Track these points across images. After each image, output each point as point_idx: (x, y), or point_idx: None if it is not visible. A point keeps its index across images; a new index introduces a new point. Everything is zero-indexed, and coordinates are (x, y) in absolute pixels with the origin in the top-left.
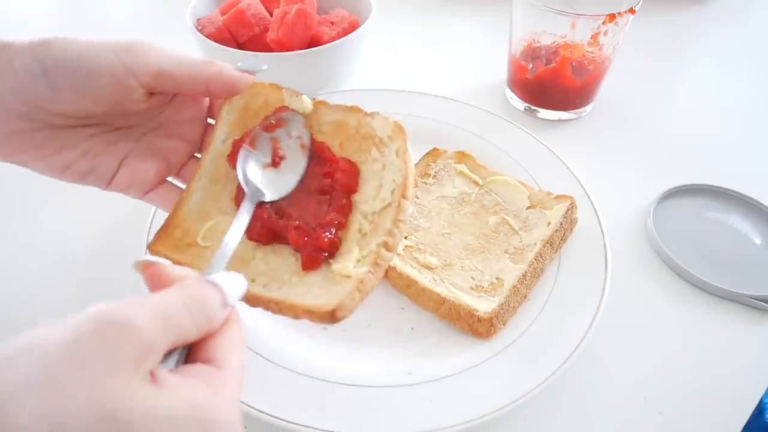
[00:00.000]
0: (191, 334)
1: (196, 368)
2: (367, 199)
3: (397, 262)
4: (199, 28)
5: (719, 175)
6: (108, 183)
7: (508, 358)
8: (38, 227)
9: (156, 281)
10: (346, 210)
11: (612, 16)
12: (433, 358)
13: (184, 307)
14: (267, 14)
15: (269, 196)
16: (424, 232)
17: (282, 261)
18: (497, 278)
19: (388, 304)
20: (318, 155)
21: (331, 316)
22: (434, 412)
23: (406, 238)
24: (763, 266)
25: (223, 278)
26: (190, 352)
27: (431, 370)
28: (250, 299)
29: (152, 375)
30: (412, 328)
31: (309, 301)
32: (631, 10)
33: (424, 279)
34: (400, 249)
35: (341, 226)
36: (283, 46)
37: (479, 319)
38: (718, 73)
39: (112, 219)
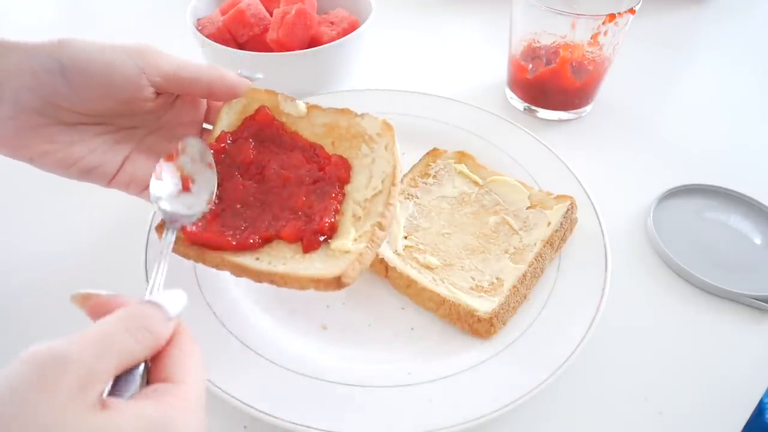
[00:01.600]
0: (139, 353)
1: (149, 389)
2: (359, 188)
3: (397, 262)
4: (199, 28)
5: (719, 175)
6: (110, 180)
7: (508, 358)
8: (38, 228)
9: (98, 311)
10: (339, 198)
11: (612, 16)
12: (433, 358)
13: (124, 330)
14: (267, 14)
15: (187, 219)
16: (424, 232)
17: (284, 244)
18: (497, 278)
19: (388, 304)
20: (313, 153)
21: (336, 283)
22: (434, 412)
23: (406, 238)
24: (763, 266)
25: (162, 296)
26: (149, 376)
27: (431, 370)
28: (257, 274)
29: (103, 404)
30: (412, 328)
31: (313, 273)
32: (631, 10)
33: (424, 279)
34: (400, 249)
35: (337, 211)
36: (283, 46)
37: (479, 319)
38: (718, 72)
39: (113, 221)
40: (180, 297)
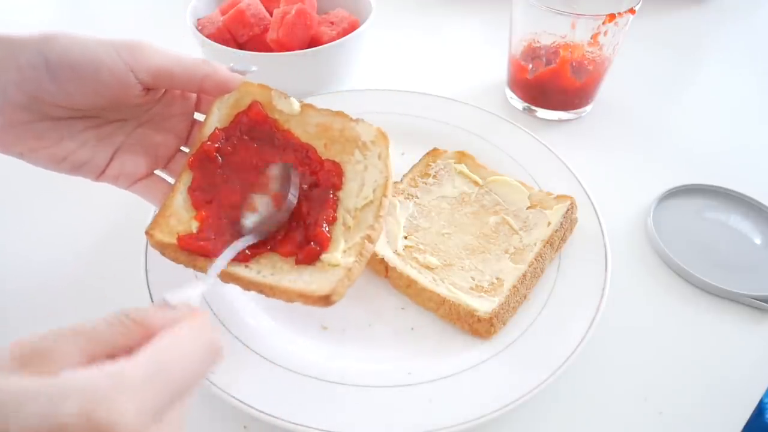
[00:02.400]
0: (110, 337)
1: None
2: (350, 196)
3: (397, 262)
4: (199, 28)
5: (719, 175)
6: (99, 174)
7: (508, 358)
8: (36, 228)
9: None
10: (335, 208)
11: (612, 16)
12: (433, 358)
13: (98, 320)
14: (267, 14)
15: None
16: (424, 232)
17: (274, 253)
18: (497, 278)
19: (388, 304)
20: (305, 155)
21: (325, 300)
22: (434, 412)
23: (406, 238)
24: (763, 266)
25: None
26: None
27: (431, 370)
28: (246, 283)
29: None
30: (412, 328)
31: (302, 287)
32: (631, 10)
33: (424, 279)
34: (400, 249)
35: (333, 220)
36: (283, 46)
37: (479, 319)
38: (718, 72)
39: (110, 220)
40: (188, 290)
